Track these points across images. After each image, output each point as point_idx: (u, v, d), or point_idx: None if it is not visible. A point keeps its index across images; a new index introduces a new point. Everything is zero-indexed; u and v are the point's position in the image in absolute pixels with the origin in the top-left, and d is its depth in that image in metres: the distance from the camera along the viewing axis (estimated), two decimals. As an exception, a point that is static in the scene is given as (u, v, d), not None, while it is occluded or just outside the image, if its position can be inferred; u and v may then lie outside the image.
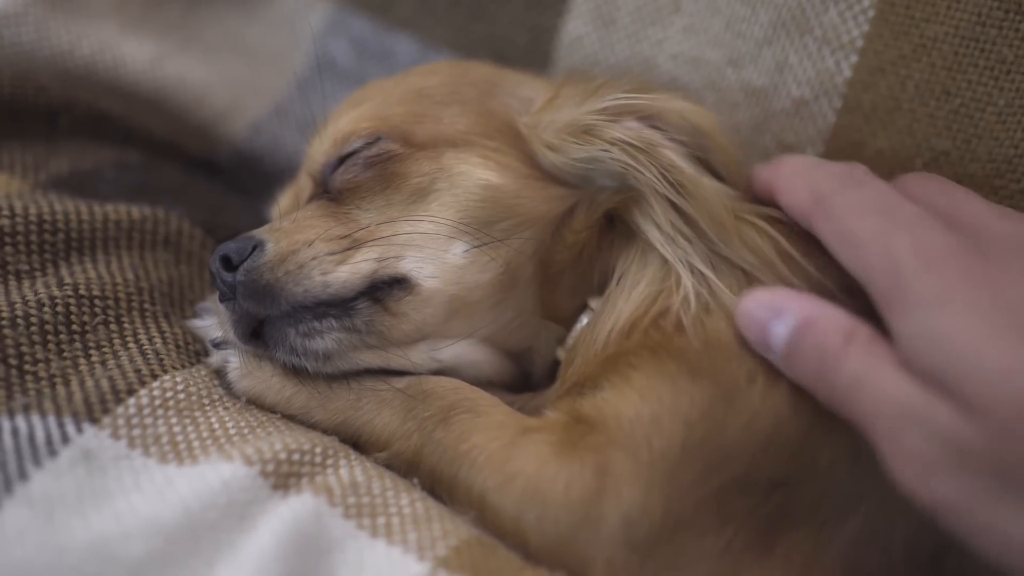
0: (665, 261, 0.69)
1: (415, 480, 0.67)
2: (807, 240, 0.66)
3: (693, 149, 0.72)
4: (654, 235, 0.70)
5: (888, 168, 0.83)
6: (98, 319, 0.72)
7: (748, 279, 0.67)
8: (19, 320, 0.68)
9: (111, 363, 0.69)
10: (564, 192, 0.74)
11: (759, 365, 0.63)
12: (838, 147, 0.82)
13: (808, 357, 0.59)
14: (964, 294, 0.53)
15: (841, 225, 0.62)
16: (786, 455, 0.61)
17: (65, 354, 0.68)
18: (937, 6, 0.80)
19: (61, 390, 0.65)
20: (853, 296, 0.61)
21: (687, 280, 0.67)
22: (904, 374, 0.54)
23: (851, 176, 0.66)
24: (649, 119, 0.73)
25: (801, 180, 0.67)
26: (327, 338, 0.69)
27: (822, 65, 0.85)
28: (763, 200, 0.72)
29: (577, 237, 0.73)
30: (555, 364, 0.75)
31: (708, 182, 0.70)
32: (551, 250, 0.74)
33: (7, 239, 0.74)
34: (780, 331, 0.60)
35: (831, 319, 0.59)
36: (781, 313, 0.60)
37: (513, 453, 0.64)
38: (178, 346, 0.74)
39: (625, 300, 0.70)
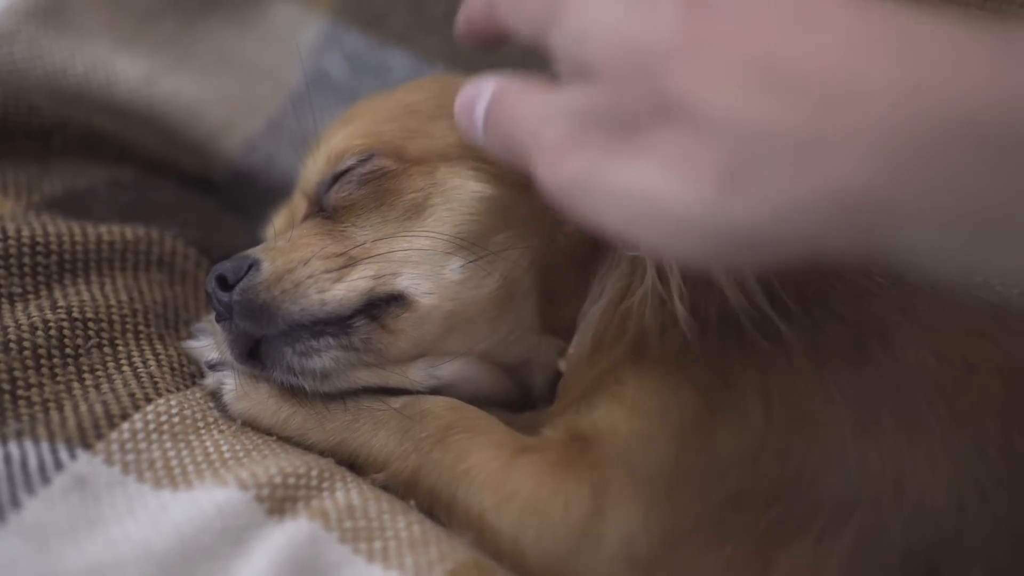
0: (633, 261, 0.69)
1: (412, 501, 0.66)
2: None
3: None
4: None
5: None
6: (92, 342, 0.72)
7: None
8: (12, 344, 0.68)
9: (105, 387, 0.68)
10: None
11: (723, 362, 0.62)
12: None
13: (493, 120, 0.56)
14: None
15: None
16: (777, 466, 0.60)
17: (59, 378, 0.68)
18: None
19: (54, 415, 0.64)
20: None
21: (650, 275, 0.66)
22: (558, 89, 0.52)
23: None
24: None
25: None
26: (324, 356, 0.69)
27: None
28: None
29: (570, 242, 0.73)
30: (557, 377, 0.75)
31: None
32: (547, 260, 0.73)
33: (0, 262, 0.73)
34: (479, 110, 0.57)
35: (514, 79, 0.56)
36: (481, 91, 0.57)
37: (511, 472, 0.63)
38: (173, 368, 0.73)
39: (600, 306, 0.70)
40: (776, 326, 0.62)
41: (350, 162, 0.74)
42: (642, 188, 0.46)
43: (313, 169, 0.77)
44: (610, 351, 0.68)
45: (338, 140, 0.76)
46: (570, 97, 0.50)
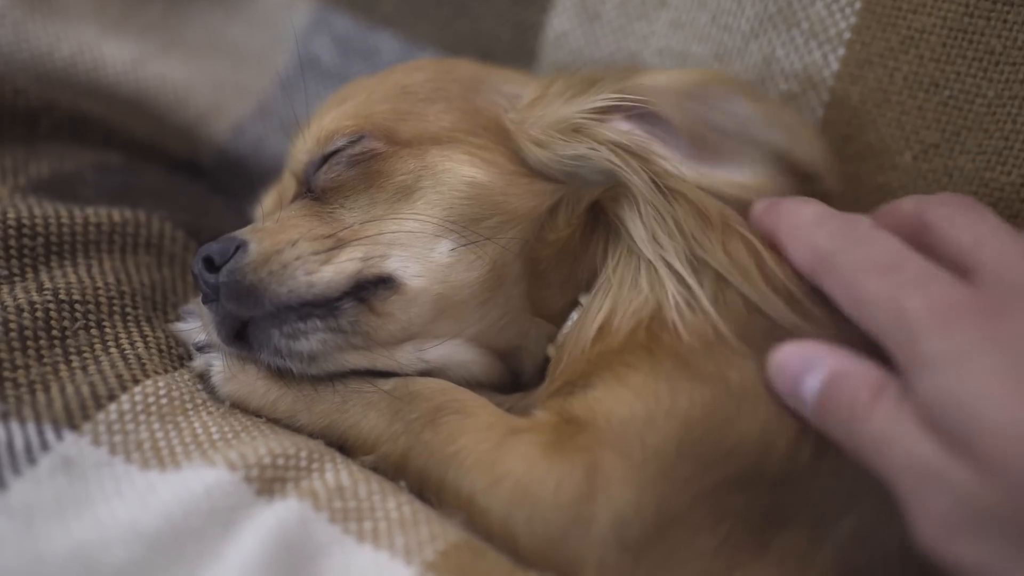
0: (648, 259, 0.69)
1: (402, 483, 0.66)
2: None
3: (691, 119, 0.72)
4: (638, 231, 0.70)
5: (877, 161, 0.82)
6: (79, 324, 0.71)
7: (726, 285, 0.66)
8: (-3, 326, 0.67)
9: (92, 368, 0.68)
10: (550, 187, 0.73)
11: (749, 366, 0.62)
12: (826, 141, 0.81)
13: (838, 411, 0.58)
14: (979, 352, 0.52)
15: (849, 287, 0.60)
16: (782, 451, 0.60)
17: (45, 360, 0.67)
18: (924, -1, 0.80)
19: (41, 396, 0.64)
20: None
21: (668, 281, 0.66)
22: (926, 433, 0.53)
23: (854, 231, 0.63)
24: (640, 116, 0.73)
25: (802, 237, 0.65)
26: (312, 339, 0.68)
27: (809, 58, 0.84)
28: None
29: (562, 232, 0.73)
30: (545, 363, 0.75)
31: (698, 191, 0.70)
32: (538, 247, 0.73)
33: (-14, 244, 0.73)
34: (811, 384, 0.59)
35: (861, 373, 0.58)
36: (812, 366, 0.59)
37: (502, 454, 0.63)
38: (160, 350, 0.73)
39: (609, 298, 0.69)
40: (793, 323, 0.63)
41: (340, 143, 0.74)
42: None
43: (302, 149, 0.77)
44: (613, 337, 0.67)
45: (328, 120, 0.76)
46: (956, 474, 0.51)
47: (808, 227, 0.65)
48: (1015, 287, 0.56)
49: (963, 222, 0.62)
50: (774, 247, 0.67)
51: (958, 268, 0.58)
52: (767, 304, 0.64)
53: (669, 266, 0.67)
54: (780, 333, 0.63)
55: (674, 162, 0.71)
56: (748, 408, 0.61)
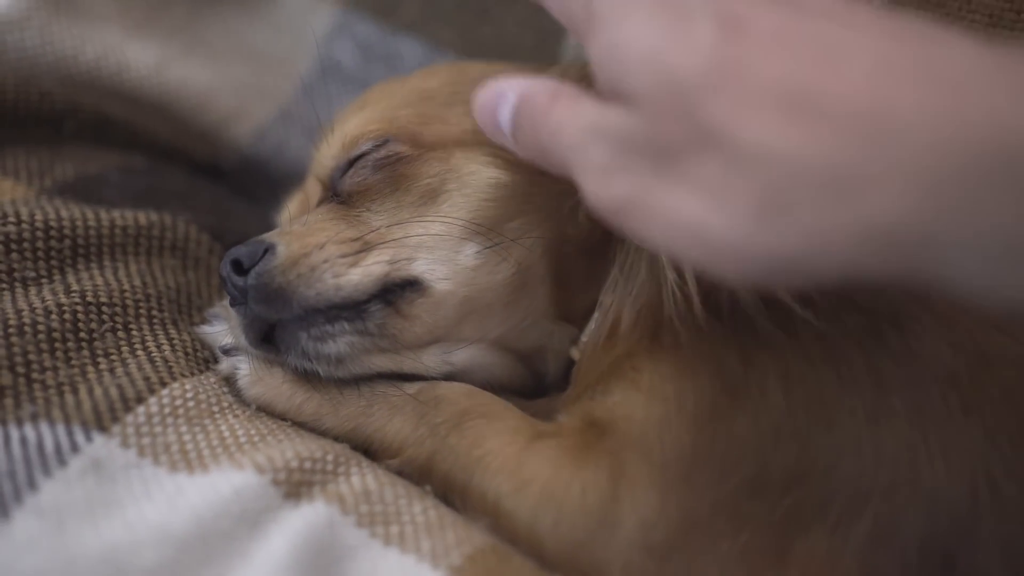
0: (649, 252, 0.69)
1: (428, 487, 0.66)
2: None
3: None
4: None
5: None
6: (106, 326, 0.71)
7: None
8: (26, 328, 0.67)
9: (119, 371, 0.68)
10: (571, 186, 0.73)
11: (744, 346, 0.62)
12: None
13: (526, 124, 0.58)
14: (640, 5, 0.51)
15: None
16: (794, 451, 0.60)
17: (73, 362, 0.68)
18: (948, 7, 0.79)
19: (69, 398, 0.64)
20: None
21: (668, 272, 0.66)
22: (593, 100, 0.53)
23: None
24: None
25: None
26: (339, 341, 0.69)
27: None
28: None
29: (583, 230, 0.73)
30: (570, 365, 0.75)
31: None
32: (560, 247, 0.73)
33: (14, 246, 0.73)
34: (505, 113, 0.59)
35: (541, 85, 0.57)
36: (504, 97, 0.59)
37: (527, 458, 0.63)
38: (187, 353, 0.73)
39: (619, 295, 0.70)
40: (792, 313, 0.62)
41: (365, 147, 0.74)
42: (681, 215, 0.47)
43: (327, 154, 0.77)
44: (626, 338, 0.68)
45: (353, 125, 0.76)
46: (610, 118, 0.51)
47: None
48: None
49: None
50: None
51: None
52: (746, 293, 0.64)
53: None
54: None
55: None
56: (748, 402, 0.61)
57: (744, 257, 0.46)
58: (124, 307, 0.74)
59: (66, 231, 0.76)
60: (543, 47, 0.98)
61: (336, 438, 0.69)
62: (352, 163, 0.75)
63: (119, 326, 0.72)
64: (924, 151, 0.41)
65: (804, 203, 0.43)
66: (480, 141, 0.74)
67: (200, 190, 0.99)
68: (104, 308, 0.73)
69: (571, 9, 0.55)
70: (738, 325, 0.64)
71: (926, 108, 0.42)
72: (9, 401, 0.63)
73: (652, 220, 0.49)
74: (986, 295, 0.44)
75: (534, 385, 0.77)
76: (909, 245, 0.42)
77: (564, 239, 0.73)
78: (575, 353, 0.74)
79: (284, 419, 0.70)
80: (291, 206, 0.82)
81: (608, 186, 0.50)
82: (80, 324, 0.70)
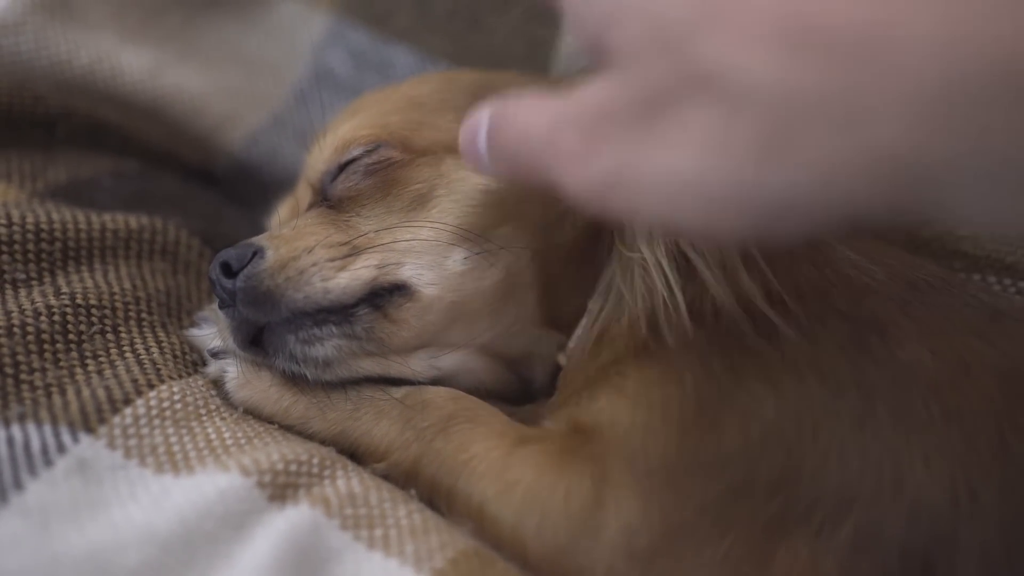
0: (642, 262, 0.69)
1: (413, 491, 0.66)
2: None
3: None
4: (630, 230, 0.69)
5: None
6: (95, 328, 0.72)
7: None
8: (15, 329, 0.68)
9: (108, 373, 0.68)
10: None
11: (733, 354, 0.62)
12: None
13: (496, 139, 0.55)
14: None
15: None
16: (780, 458, 0.60)
17: (62, 363, 0.68)
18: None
19: (57, 399, 0.64)
20: None
21: (658, 281, 0.66)
22: (557, 97, 0.51)
23: None
24: None
25: None
26: (327, 345, 0.69)
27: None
28: None
29: (572, 237, 0.73)
30: (557, 371, 0.75)
31: None
32: (548, 253, 0.74)
33: (4, 248, 0.74)
34: (481, 137, 0.56)
35: (510, 99, 0.55)
36: (479, 123, 0.57)
37: (512, 462, 0.63)
38: (175, 356, 0.74)
39: (609, 302, 0.70)
40: (773, 322, 0.63)
41: (356, 152, 0.75)
42: (676, 172, 0.44)
43: (319, 159, 0.78)
44: (613, 345, 0.68)
45: (345, 130, 0.77)
46: (577, 101, 0.49)
47: None
48: None
49: None
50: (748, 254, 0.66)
51: None
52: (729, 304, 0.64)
53: (659, 265, 0.67)
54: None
55: None
56: (737, 407, 0.61)
57: (747, 206, 0.43)
58: (113, 310, 0.74)
59: (57, 234, 0.77)
60: (534, 56, 0.99)
61: (323, 441, 0.70)
62: (343, 168, 0.75)
63: (108, 328, 0.73)
64: (927, 76, 0.40)
65: (808, 138, 0.41)
66: None
67: (192, 195, 1.00)
68: (94, 310, 0.73)
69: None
70: (724, 332, 0.64)
71: (929, 31, 0.40)
72: (-3, 402, 0.63)
73: (642, 187, 0.46)
74: (992, 221, 0.42)
75: (521, 391, 0.78)
76: (916, 171, 0.41)
77: (552, 246, 0.74)
78: (562, 359, 0.75)
79: (271, 422, 0.71)
80: (281, 210, 0.82)
81: (587, 167, 0.48)
82: (69, 326, 0.71)
